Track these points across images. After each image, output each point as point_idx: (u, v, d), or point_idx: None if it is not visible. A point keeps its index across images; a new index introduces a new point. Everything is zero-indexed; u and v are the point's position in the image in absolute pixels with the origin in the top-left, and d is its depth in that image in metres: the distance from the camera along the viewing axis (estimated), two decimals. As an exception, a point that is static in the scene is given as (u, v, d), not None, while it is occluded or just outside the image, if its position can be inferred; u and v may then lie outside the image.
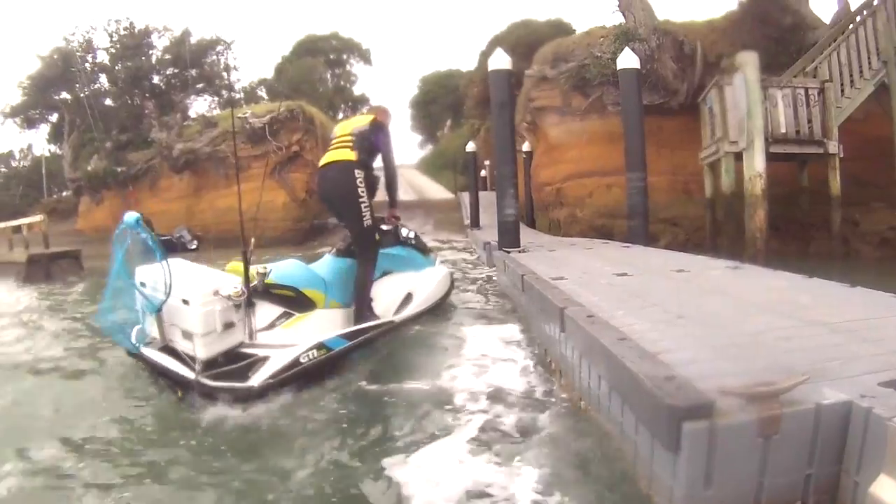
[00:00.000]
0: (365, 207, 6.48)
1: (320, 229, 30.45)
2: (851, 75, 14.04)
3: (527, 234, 12.95)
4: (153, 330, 5.35)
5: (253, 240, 5.77)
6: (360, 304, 6.58)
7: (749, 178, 12.51)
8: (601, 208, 17.89)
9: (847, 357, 3.23)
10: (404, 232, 7.78)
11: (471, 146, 26.42)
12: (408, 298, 7.42)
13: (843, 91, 13.93)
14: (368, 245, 6.71)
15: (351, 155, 6.43)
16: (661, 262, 8.32)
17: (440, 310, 7.83)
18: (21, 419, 4.91)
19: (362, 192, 6.43)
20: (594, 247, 11.86)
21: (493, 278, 10.91)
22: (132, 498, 3.53)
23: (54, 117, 43.60)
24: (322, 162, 6.61)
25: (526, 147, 22.19)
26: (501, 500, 3.23)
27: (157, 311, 5.12)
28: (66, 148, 39.25)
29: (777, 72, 14.51)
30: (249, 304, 5.48)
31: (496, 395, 4.73)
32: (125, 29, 40.24)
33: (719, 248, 13.70)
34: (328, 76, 61.43)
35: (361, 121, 6.86)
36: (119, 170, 33.35)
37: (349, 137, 6.56)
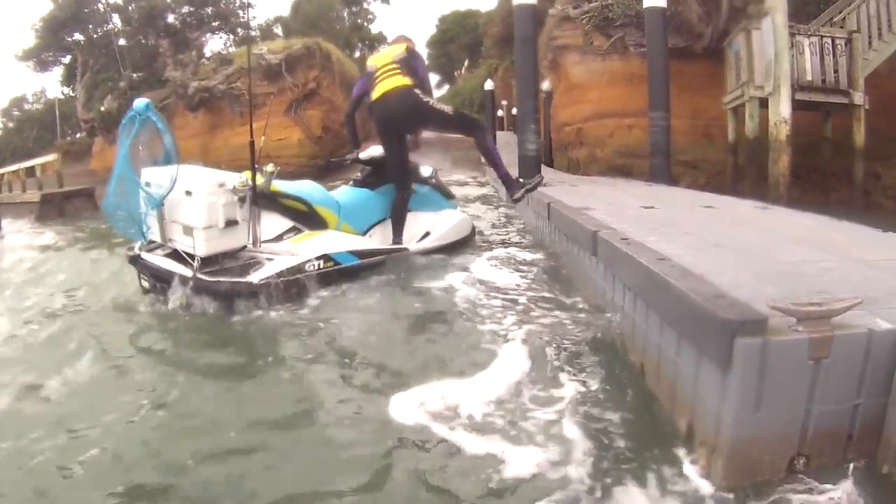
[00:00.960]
0: (439, 105, 6.79)
1: (337, 166, 30.37)
2: (879, 28, 13.74)
3: (546, 173, 12.81)
4: (155, 234, 5.32)
5: (263, 138, 5.85)
6: (399, 223, 6.89)
7: (774, 124, 12.33)
8: (621, 148, 17.75)
9: (893, 290, 3.10)
10: (426, 171, 7.63)
11: (489, 84, 26.27)
12: (425, 236, 7.32)
13: (870, 43, 13.66)
14: (467, 119, 7.26)
15: (406, 80, 6.50)
16: (688, 198, 8.31)
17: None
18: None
19: (429, 100, 6.62)
20: (617, 183, 11.88)
21: (513, 213, 10.81)
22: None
23: (67, 59, 43.36)
24: (378, 93, 6.56)
25: (546, 87, 22.00)
26: (525, 421, 3.17)
27: (160, 204, 5.08)
28: (80, 89, 39.12)
29: (803, 21, 14.26)
30: (256, 211, 5.44)
31: (520, 320, 4.61)
32: (139, -32, 39.89)
33: (740, 192, 13.53)
34: (345, 14, 60.83)
35: (397, 49, 6.87)
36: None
37: (395, 66, 6.61)
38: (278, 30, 52.34)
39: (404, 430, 3.14)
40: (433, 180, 7.79)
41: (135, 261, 5.38)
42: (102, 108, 34.97)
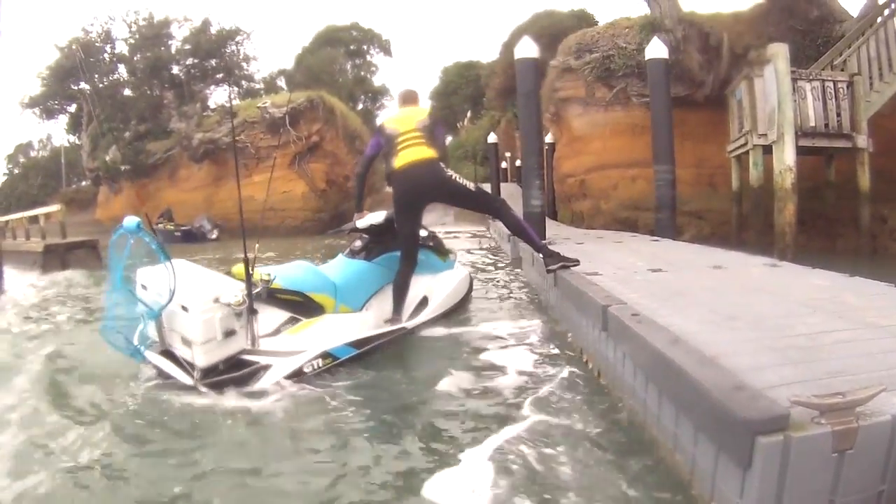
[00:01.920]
0: (461, 180, 6.63)
1: (339, 220, 30.48)
2: (880, 69, 13.83)
3: (550, 227, 12.81)
4: (154, 333, 5.24)
5: (257, 246, 5.89)
6: (399, 301, 6.76)
7: (779, 172, 12.30)
8: (625, 200, 17.84)
9: (916, 364, 3.02)
10: (422, 233, 7.48)
11: (492, 137, 26.43)
12: (423, 303, 7.28)
13: (871, 85, 13.72)
14: (485, 195, 6.99)
15: (430, 152, 6.46)
16: (695, 257, 8.19)
17: (457, 313, 7.62)
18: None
19: (452, 174, 6.57)
20: (623, 240, 11.76)
21: (518, 272, 10.76)
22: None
23: (73, 108, 43.80)
24: (401, 162, 6.45)
25: (549, 138, 22.14)
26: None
27: (157, 316, 5.03)
28: (85, 138, 39.59)
29: (803, 65, 14.39)
30: (252, 311, 5.41)
31: (526, 396, 4.54)
32: (144, 19, 40.57)
33: (745, 242, 13.54)
34: (348, 67, 61.43)
35: (419, 114, 6.79)
36: (136, 159, 33.58)
37: (418, 134, 6.54)
38: (282, 82, 52.87)
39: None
40: (431, 242, 7.81)
41: (135, 355, 5.30)
42: (107, 158, 35.31)
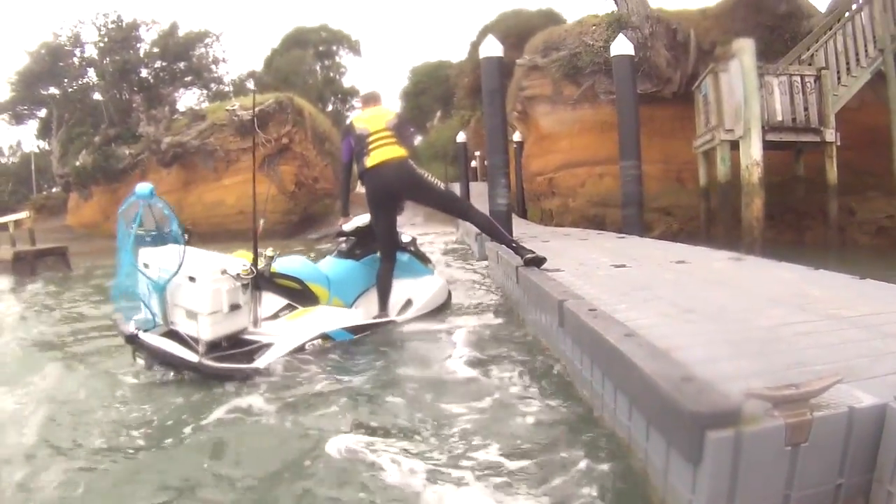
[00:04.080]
0: (432, 178, 6.93)
1: (308, 222, 30.40)
2: (848, 63, 13.95)
3: (519, 225, 12.79)
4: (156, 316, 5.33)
5: (262, 221, 6.00)
6: (385, 296, 7.03)
7: (746, 167, 12.36)
8: (593, 197, 17.91)
9: (874, 354, 2.99)
10: (405, 238, 7.79)
11: (461, 136, 26.43)
12: (407, 304, 7.41)
13: (839, 79, 13.83)
14: (454, 197, 7.53)
15: (401, 151, 6.68)
16: (660, 252, 8.17)
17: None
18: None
19: (423, 173, 6.83)
20: (589, 237, 11.79)
21: (484, 270, 10.73)
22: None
23: (42, 113, 43.46)
24: (372, 161, 6.63)
25: (517, 137, 22.21)
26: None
27: (162, 289, 5.11)
28: (55, 143, 39.27)
29: (771, 59, 14.47)
30: (257, 288, 5.59)
31: (487, 393, 4.51)
32: (113, 22, 40.12)
33: (714, 237, 13.60)
34: (317, 68, 61.43)
35: (387, 114, 7.00)
36: (106, 164, 33.37)
37: (388, 133, 6.72)
38: (251, 84, 52.70)
39: None
40: (412, 248, 7.93)
41: (133, 339, 5.27)
42: (77, 164, 35.07)
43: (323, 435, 3.80)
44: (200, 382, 4.95)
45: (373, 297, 7.02)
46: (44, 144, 50.17)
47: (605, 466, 3.20)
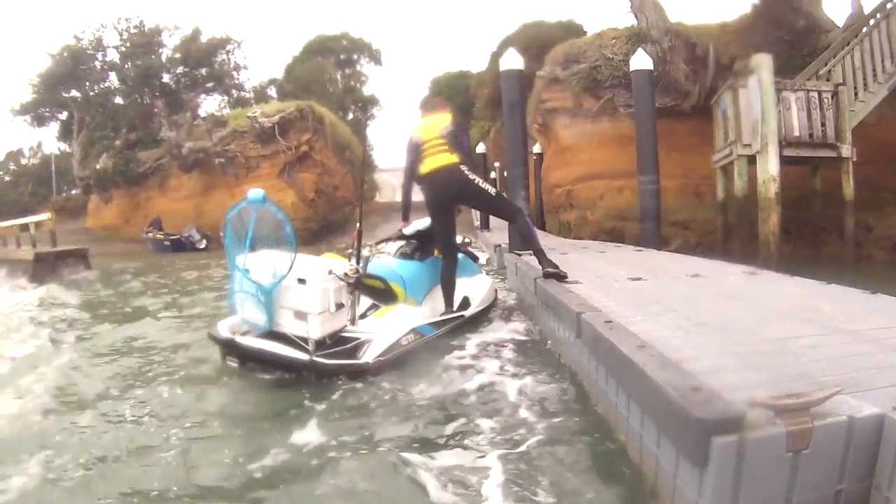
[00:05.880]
0: (483, 184, 6.94)
1: (328, 230, 30.43)
2: (865, 79, 14.00)
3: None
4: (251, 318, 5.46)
5: (359, 225, 6.31)
6: (450, 294, 7.28)
7: (763, 182, 12.38)
8: (612, 210, 17.89)
9: (877, 367, 3.10)
10: (458, 238, 7.92)
11: (481, 147, 26.39)
12: (465, 302, 7.59)
13: (856, 94, 13.87)
14: (506, 203, 7.46)
15: (453, 158, 6.79)
16: (676, 266, 8.22)
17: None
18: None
19: (475, 178, 6.85)
20: (607, 250, 11.78)
21: (503, 282, 10.82)
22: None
23: (64, 115, 43.60)
24: (426, 168, 6.88)
25: (537, 149, 22.21)
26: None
27: (269, 292, 5.22)
28: (76, 146, 39.40)
29: (789, 75, 14.45)
30: (356, 288, 5.81)
31: (507, 401, 4.64)
32: (135, 27, 40.44)
33: (731, 251, 13.58)
34: (338, 76, 61.26)
35: (442, 121, 7.14)
36: (127, 168, 33.50)
37: (441, 141, 6.90)
38: (272, 91, 52.73)
39: None
40: (466, 249, 8.27)
41: (229, 343, 5.50)
42: (98, 167, 35.13)
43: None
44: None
45: (437, 295, 7.26)
46: (64, 147, 50.36)
47: (618, 473, 3.35)
